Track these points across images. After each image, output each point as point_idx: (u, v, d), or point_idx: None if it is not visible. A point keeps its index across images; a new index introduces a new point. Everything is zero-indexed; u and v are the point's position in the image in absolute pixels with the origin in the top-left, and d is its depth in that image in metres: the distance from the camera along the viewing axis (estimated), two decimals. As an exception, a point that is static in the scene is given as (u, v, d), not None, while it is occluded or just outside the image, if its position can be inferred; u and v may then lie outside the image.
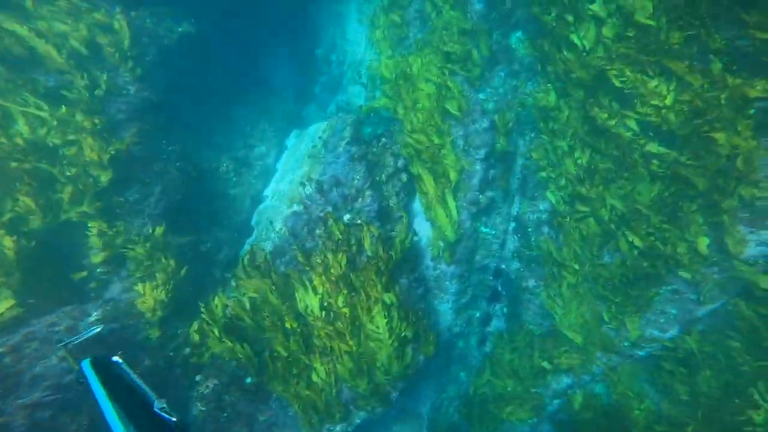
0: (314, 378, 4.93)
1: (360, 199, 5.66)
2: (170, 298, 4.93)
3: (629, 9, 5.24)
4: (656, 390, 5.84)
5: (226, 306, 5.01)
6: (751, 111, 4.84)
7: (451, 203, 5.97)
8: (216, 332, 4.72)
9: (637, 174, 5.53)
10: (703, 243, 5.15)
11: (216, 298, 5.07)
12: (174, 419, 2.97)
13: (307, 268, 5.25)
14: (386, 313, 4.96)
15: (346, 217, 5.55)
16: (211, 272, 5.76)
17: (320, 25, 10.43)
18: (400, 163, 6.41)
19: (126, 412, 2.86)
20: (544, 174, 6.51)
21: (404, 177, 6.42)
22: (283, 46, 10.18)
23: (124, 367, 3.26)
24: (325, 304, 5.17)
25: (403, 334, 5.02)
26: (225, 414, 4.78)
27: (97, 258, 5.09)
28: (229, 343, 4.64)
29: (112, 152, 5.02)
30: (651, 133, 5.64)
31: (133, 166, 5.37)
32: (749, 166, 4.93)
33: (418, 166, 6.23)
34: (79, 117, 5.02)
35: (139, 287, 4.84)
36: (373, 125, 8.01)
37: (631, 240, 5.60)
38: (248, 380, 4.93)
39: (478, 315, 6.93)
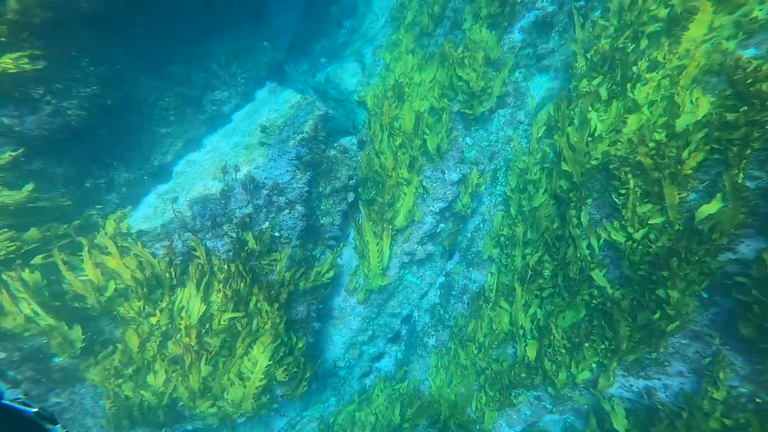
0: (150, 380, 4.05)
1: (288, 212, 4.59)
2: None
3: (677, 109, 4.22)
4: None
5: (61, 279, 3.87)
6: (703, 289, 4.24)
7: (386, 252, 5.04)
8: (28, 307, 3.62)
9: (575, 301, 4.85)
10: (582, 377, 4.85)
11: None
12: (34, 410, 2.09)
13: (205, 269, 4.22)
14: (272, 353, 4.10)
15: (265, 225, 4.50)
16: (82, 211, 4.49)
17: (350, -22, 8.70)
18: (353, 180, 5.34)
19: None
20: (493, 252, 5.70)
21: (351, 197, 5.38)
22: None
23: None
24: (208, 314, 4.22)
25: (275, 377, 4.21)
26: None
27: None
28: (52, 322, 3.60)
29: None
30: (609, 259, 4.94)
31: (24, 82, 3.95)
32: (672, 333, 4.41)
33: (369, 194, 5.21)
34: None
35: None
36: (347, 117, 6.78)
37: (527, 351, 5.12)
38: (57, 359, 3.94)
39: (371, 351, 6.28)
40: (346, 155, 5.48)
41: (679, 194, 4.28)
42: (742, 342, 3.88)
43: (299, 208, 4.62)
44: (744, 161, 3.94)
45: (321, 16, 8.43)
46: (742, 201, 3.98)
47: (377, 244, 4.86)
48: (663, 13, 4.45)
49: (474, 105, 5.90)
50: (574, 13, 5.21)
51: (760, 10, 3.99)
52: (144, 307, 4.03)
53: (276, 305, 4.16)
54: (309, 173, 4.84)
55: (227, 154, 5.53)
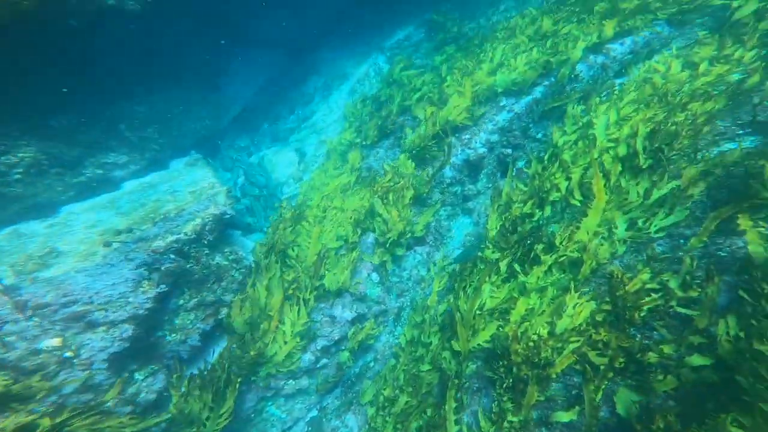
0: None
1: (103, 330, 3.37)
2: None
3: (561, 309, 3.60)
4: None
5: None
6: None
7: (231, 397, 3.87)
8: None
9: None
10: None
11: None
12: None
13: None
14: None
15: (47, 343, 3.21)
16: None
17: (317, 69, 8.29)
18: (230, 296, 4.28)
19: None
20: (369, 410, 4.69)
21: (222, 313, 4.27)
22: (261, 61, 7.83)
23: None
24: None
25: None
26: None
27: None
28: None
29: None
30: None
31: None
32: None
33: (236, 321, 4.11)
34: None
35: None
36: (264, 214, 5.86)
37: None
38: None
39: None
40: (236, 265, 4.45)
41: (537, 397, 3.64)
42: None
43: (126, 327, 3.41)
44: (606, 382, 3.39)
45: (278, 96, 7.81)
46: (596, 419, 3.36)
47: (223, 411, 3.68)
48: (563, 184, 4.09)
49: (394, 248, 5.21)
50: (508, 168, 4.81)
51: (655, 225, 3.55)
52: None
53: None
54: (165, 285, 3.71)
55: (74, 233, 4.26)
